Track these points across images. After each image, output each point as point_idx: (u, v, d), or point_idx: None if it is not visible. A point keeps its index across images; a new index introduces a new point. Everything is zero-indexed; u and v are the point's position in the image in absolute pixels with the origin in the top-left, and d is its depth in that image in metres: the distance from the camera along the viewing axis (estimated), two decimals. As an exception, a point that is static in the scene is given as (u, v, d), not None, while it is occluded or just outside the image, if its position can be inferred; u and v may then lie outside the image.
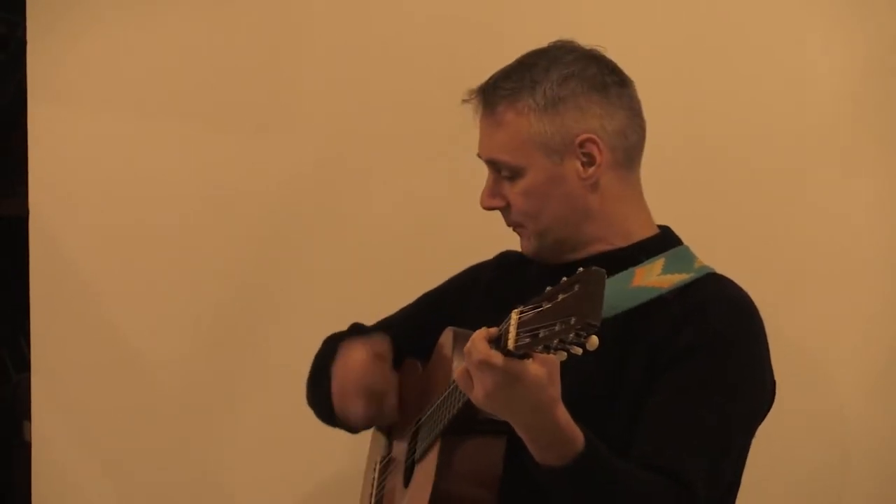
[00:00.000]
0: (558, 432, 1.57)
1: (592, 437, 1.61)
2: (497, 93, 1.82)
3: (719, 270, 1.87)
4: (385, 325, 2.08)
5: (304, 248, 2.60)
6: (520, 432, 1.59)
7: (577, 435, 1.59)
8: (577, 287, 1.43)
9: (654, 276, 1.82)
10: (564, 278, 1.46)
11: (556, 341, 1.42)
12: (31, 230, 2.60)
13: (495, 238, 1.97)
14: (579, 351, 1.42)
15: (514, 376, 1.51)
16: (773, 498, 2.49)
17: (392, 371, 1.95)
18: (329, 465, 2.59)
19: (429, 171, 2.56)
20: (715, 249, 1.93)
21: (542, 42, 1.86)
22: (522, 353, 1.48)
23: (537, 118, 1.81)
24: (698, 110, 2.55)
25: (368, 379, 1.92)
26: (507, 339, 1.48)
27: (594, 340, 1.42)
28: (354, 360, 1.94)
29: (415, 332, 2.04)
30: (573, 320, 1.40)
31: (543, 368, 1.52)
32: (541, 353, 1.46)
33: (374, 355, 1.92)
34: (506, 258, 2.00)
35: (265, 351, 2.59)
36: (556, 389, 1.54)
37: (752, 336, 1.80)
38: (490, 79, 1.85)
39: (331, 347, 2.04)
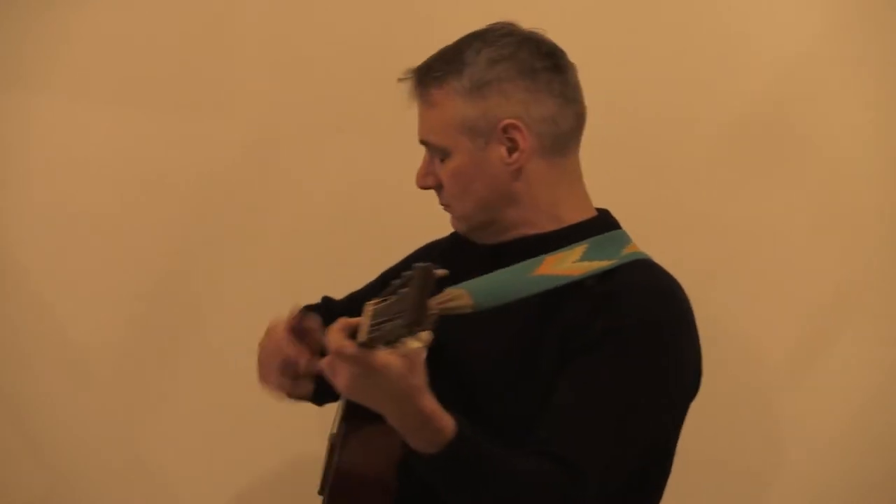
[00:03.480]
0: (425, 421, 1.57)
1: (465, 426, 1.61)
2: (429, 74, 1.82)
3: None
4: (350, 300, 2.09)
5: (241, 230, 2.59)
6: (389, 421, 1.59)
7: (447, 424, 1.58)
8: (407, 285, 1.45)
9: (567, 264, 1.81)
10: (404, 273, 1.48)
11: (394, 336, 1.44)
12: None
13: (435, 220, 1.97)
14: (416, 345, 1.44)
15: (368, 367, 1.51)
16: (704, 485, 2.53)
17: (320, 343, 1.91)
18: (270, 449, 2.60)
19: (368, 153, 2.56)
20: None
21: (485, 21, 1.85)
22: (373, 345, 1.49)
23: (463, 101, 1.80)
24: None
25: (281, 353, 1.89)
26: (359, 331, 1.50)
27: (424, 336, 1.44)
28: (271, 337, 1.93)
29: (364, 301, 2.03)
30: (401, 320, 1.43)
31: (401, 359, 1.52)
32: (384, 347, 1.47)
33: (290, 329, 1.88)
34: (457, 236, 1.99)
35: (201, 333, 2.58)
36: (417, 378, 1.54)
37: (670, 324, 1.78)
38: (426, 60, 1.85)
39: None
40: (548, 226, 1.85)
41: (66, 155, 2.57)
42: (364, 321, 1.51)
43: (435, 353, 1.69)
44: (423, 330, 1.43)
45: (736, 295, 2.56)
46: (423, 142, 1.85)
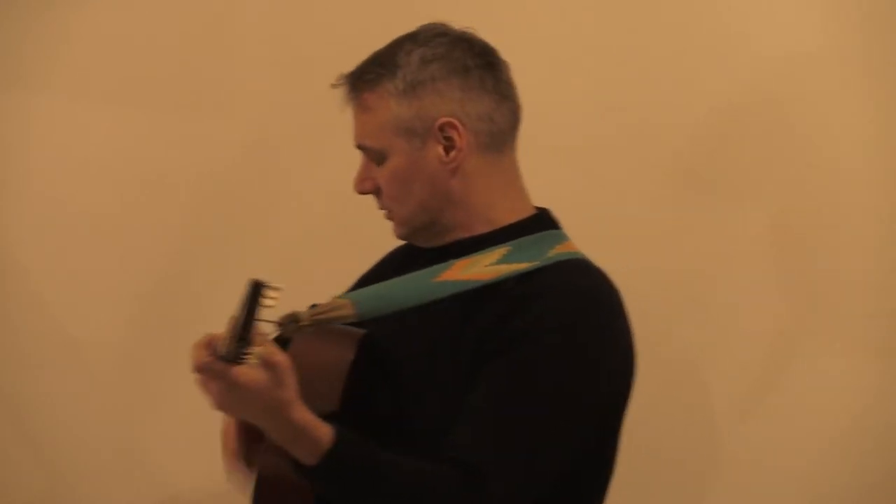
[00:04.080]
0: (298, 433, 1.57)
1: (345, 435, 1.60)
2: (362, 78, 1.81)
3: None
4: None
5: (242, 229, 2.59)
6: (267, 434, 1.59)
7: (323, 434, 1.58)
8: (242, 300, 1.47)
9: (478, 268, 1.80)
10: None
11: (232, 355, 1.47)
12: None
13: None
14: (255, 361, 1.47)
15: (231, 382, 1.52)
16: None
17: None
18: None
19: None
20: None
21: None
22: (233, 359, 1.49)
23: (397, 102, 1.79)
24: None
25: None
26: (219, 344, 1.51)
27: (257, 351, 1.47)
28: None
29: None
30: (232, 335, 1.46)
31: (265, 373, 1.52)
32: (235, 362, 1.49)
33: None
34: None
35: (201, 333, 2.56)
36: (285, 391, 1.54)
37: (587, 327, 1.74)
38: (359, 65, 1.83)
39: None
40: (479, 228, 1.84)
41: (67, 154, 2.58)
42: (223, 335, 1.51)
43: (377, 357, 1.75)
44: (256, 344, 1.46)
45: (736, 294, 2.55)
46: (359, 146, 1.84)
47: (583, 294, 1.77)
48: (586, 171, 2.55)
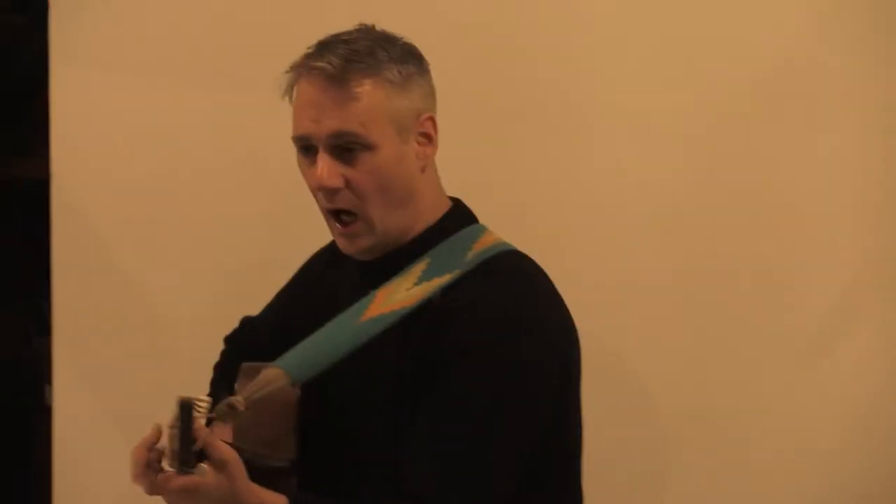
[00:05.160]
0: None
1: (297, 498, 1.66)
2: (352, 66, 1.75)
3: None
4: (259, 322, 2.10)
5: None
6: None
7: (279, 502, 1.65)
8: (176, 421, 1.56)
9: (400, 294, 1.77)
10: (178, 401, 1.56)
11: (186, 469, 1.54)
12: (53, 193, 2.60)
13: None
14: (198, 477, 1.56)
15: (187, 492, 1.59)
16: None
17: None
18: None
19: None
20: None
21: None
22: (184, 472, 1.57)
23: (395, 93, 1.76)
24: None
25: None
26: (164, 455, 1.61)
27: (202, 468, 1.56)
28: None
29: (277, 332, 2.03)
30: (175, 456, 1.55)
31: (216, 474, 1.58)
32: (181, 473, 1.56)
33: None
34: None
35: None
36: (238, 482, 1.61)
37: (514, 332, 1.73)
38: (324, 53, 1.77)
39: (224, 357, 2.09)
40: (412, 233, 1.82)
41: (157, 136, 2.58)
42: (166, 445, 1.60)
43: (318, 398, 1.78)
44: (199, 461, 1.55)
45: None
46: (337, 134, 1.75)
47: (505, 299, 1.75)
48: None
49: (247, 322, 2.15)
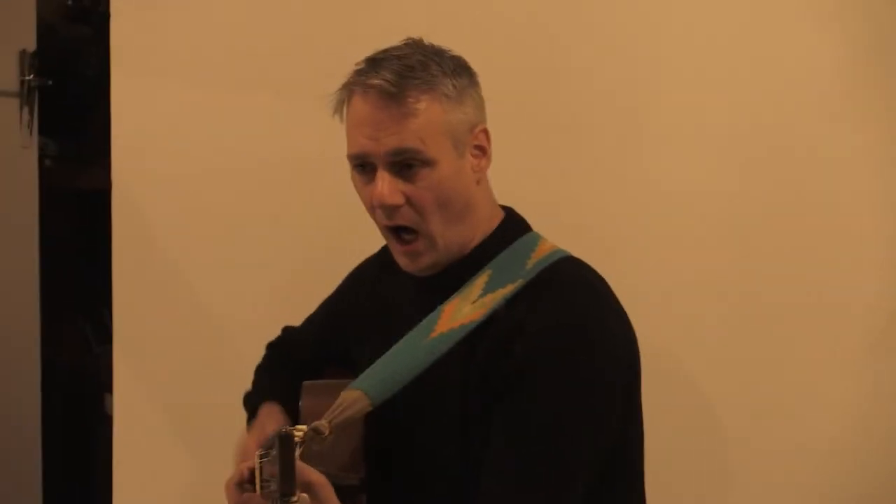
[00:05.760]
0: None
1: None
2: (408, 82, 1.74)
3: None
4: (303, 333, 2.12)
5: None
6: None
7: None
8: (273, 451, 1.54)
9: (466, 308, 1.76)
10: (272, 434, 1.55)
11: (282, 496, 1.52)
12: (113, 202, 2.61)
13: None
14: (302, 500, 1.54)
15: None
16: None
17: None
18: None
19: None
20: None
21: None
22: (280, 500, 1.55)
23: (452, 107, 1.76)
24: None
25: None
26: (256, 484, 1.61)
27: (303, 498, 1.54)
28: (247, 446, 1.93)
29: (323, 344, 2.06)
30: (274, 485, 1.53)
31: (311, 500, 1.57)
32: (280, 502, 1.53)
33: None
34: (386, 253, 1.93)
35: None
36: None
37: (582, 342, 1.72)
38: (378, 69, 1.76)
39: (267, 362, 2.11)
40: (470, 245, 1.81)
41: (218, 146, 2.59)
42: (256, 474, 1.61)
43: (385, 415, 1.76)
44: (301, 491, 1.54)
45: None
46: (397, 152, 1.75)
47: (572, 307, 1.74)
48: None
49: (288, 331, 2.16)
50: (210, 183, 2.60)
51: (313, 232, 2.59)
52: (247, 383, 2.20)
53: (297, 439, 1.56)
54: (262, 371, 2.12)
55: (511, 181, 2.48)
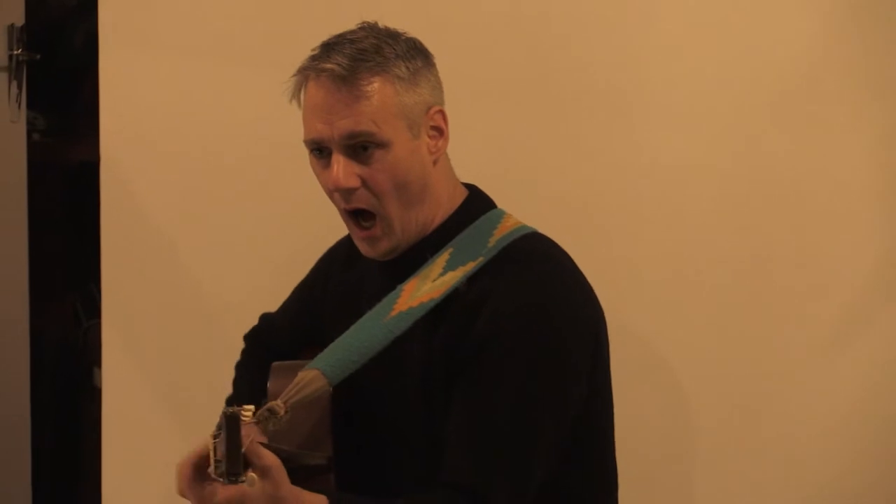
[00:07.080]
0: None
1: (340, 498, 1.67)
2: (360, 65, 1.76)
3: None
4: (278, 319, 2.13)
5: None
6: None
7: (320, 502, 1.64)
8: (221, 431, 1.54)
9: (426, 286, 1.78)
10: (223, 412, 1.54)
11: (228, 475, 1.53)
12: (102, 177, 2.61)
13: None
14: (248, 486, 1.55)
15: (235, 501, 1.58)
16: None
17: None
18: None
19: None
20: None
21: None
22: (231, 482, 1.56)
23: (405, 89, 1.77)
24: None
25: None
26: (210, 465, 1.59)
27: (251, 477, 1.54)
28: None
29: (298, 329, 2.08)
30: (223, 466, 1.53)
31: (262, 481, 1.57)
32: (226, 483, 1.54)
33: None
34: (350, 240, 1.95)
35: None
36: (283, 489, 1.60)
37: (543, 315, 1.74)
38: (339, 55, 1.77)
39: (245, 356, 2.12)
40: (431, 226, 1.82)
41: (207, 119, 2.58)
42: (210, 454, 1.59)
43: (349, 393, 1.77)
44: (247, 469, 1.54)
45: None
46: (351, 135, 1.77)
47: (532, 283, 1.76)
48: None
49: (266, 319, 2.17)
50: (199, 157, 2.59)
51: (304, 206, 2.56)
52: (234, 356, 2.21)
53: (248, 419, 1.57)
54: (241, 369, 2.13)
55: (502, 160, 2.50)
